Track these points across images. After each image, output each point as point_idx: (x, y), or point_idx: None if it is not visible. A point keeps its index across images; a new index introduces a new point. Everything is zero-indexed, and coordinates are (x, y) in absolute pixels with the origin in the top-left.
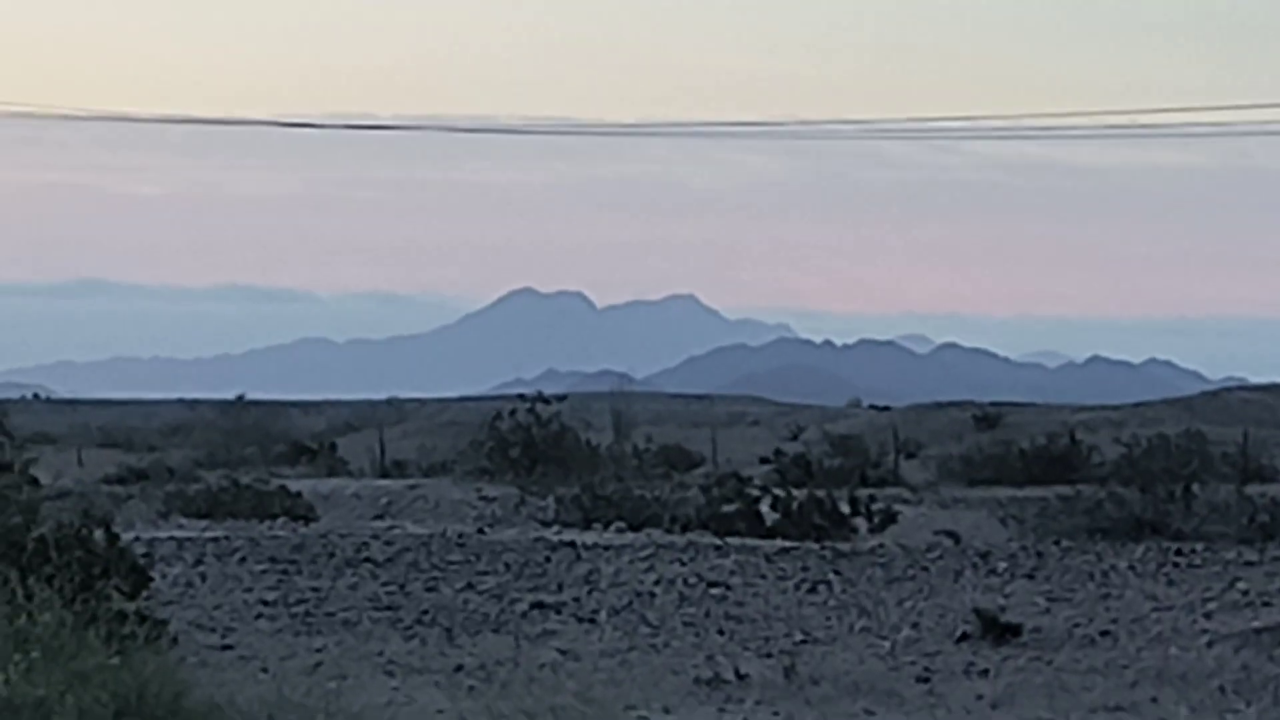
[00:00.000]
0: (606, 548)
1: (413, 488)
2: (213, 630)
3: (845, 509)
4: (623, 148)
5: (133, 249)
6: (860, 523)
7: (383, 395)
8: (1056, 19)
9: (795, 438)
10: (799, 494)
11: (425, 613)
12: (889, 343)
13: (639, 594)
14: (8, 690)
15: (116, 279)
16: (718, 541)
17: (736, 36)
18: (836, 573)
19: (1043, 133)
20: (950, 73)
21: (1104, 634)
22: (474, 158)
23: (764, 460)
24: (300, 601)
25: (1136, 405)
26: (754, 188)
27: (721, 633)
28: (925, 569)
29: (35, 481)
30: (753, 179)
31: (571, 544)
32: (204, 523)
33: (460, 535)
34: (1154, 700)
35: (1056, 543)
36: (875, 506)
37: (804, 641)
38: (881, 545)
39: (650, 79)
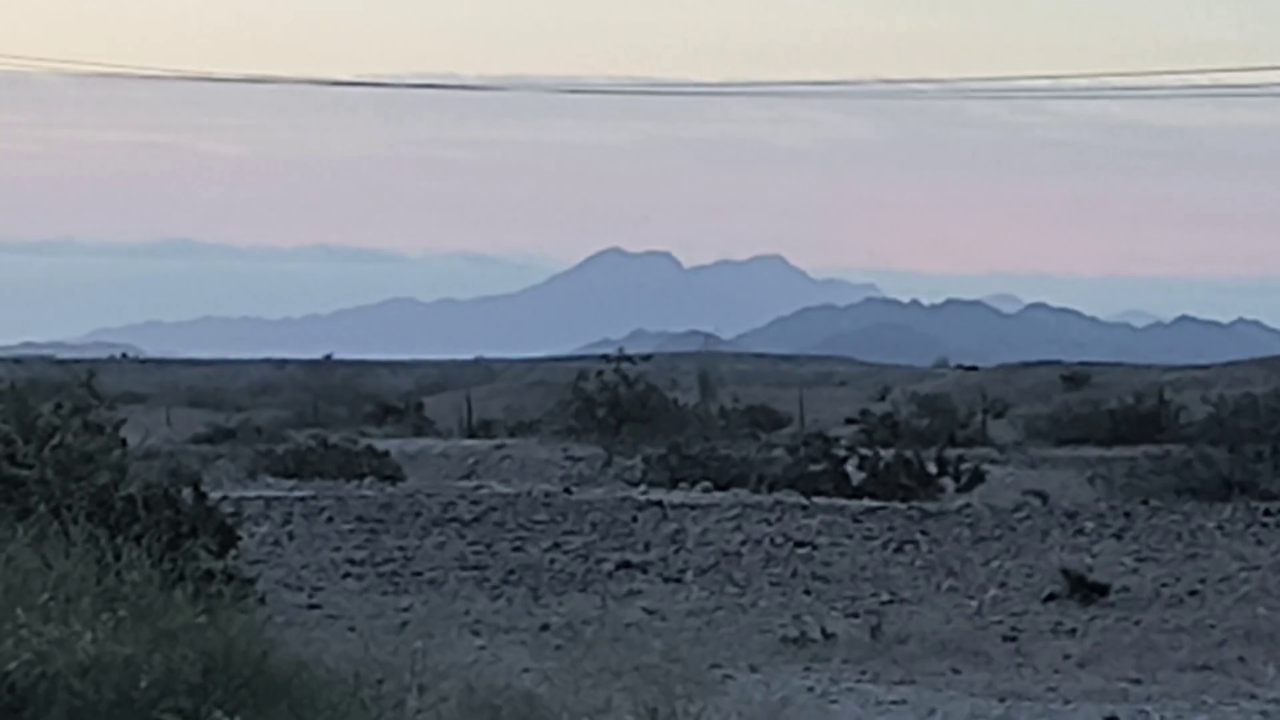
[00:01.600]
0: (693, 507)
1: (499, 447)
2: (300, 589)
3: (932, 469)
4: (707, 107)
5: (220, 209)
6: (947, 482)
7: (470, 355)
8: None
9: (882, 398)
10: (886, 454)
11: (511, 572)
12: (976, 302)
13: (725, 553)
14: (96, 649)
15: (204, 239)
16: (804, 501)
17: None
18: (923, 532)
19: (1127, 92)
20: (1034, 32)
21: (1191, 593)
22: (559, 117)
23: (850, 420)
24: (387, 561)
25: (1225, 365)
26: (838, 147)
27: (808, 592)
28: (1012, 529)
29: (124, 441)
30: (837, 139)
31: (658, 503)
32: (291, 482)
33: (546, 495)
34: (1241, 659)
35: (1144, 502)
36: (962, 466)
37: (890, 601)
38: (968, 505)
39: (734, 39)
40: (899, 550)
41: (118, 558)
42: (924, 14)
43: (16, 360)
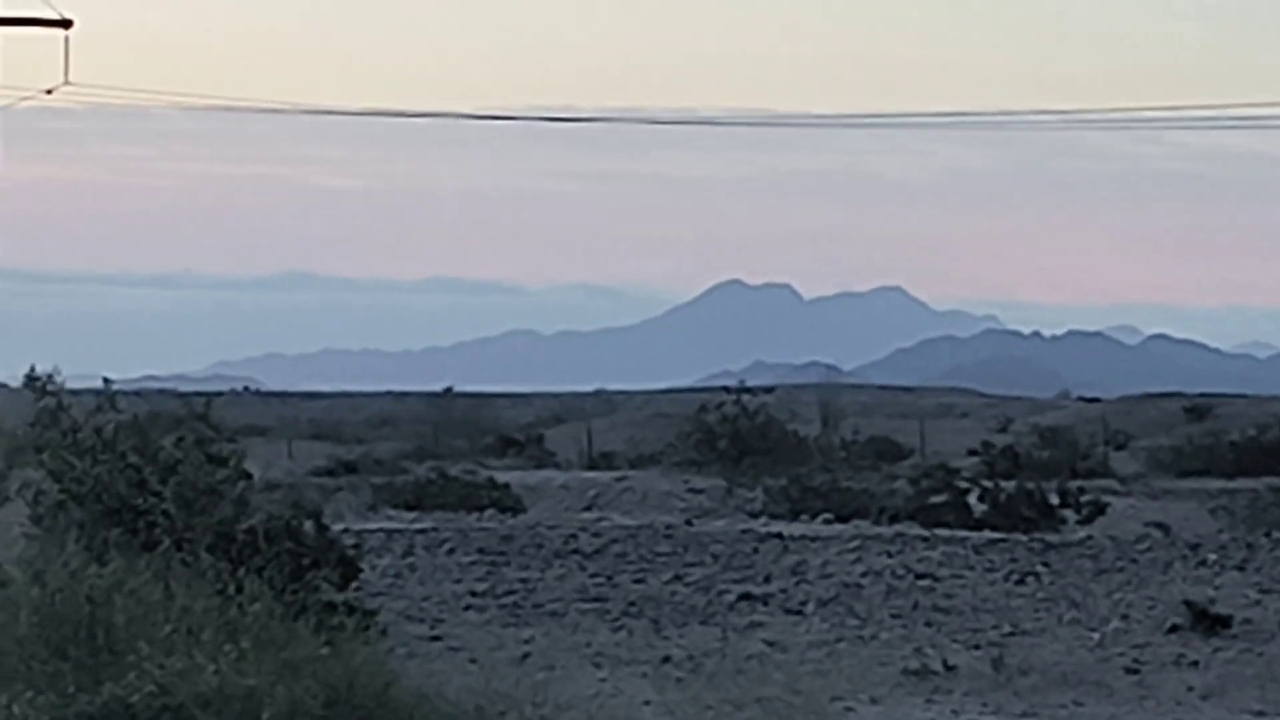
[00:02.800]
0: (814, 539)
1: (620, 479)
2: (421, 621)
3: (1054, 501)
4: (822, 139)
5: (337, 242)
6: (1069, 514)
7: (590, 387)
8: (1256, 8)
9: (1004, 429)
10: (1007, 486)
11: (633, 604)
12: (1098, 334)
13: (847, 585)
14: (219, 680)
15: (323, 272)
16: (925, 533)
17: (934, 27)
18: (1045, 564)
19: (1246, 123)
20: (1152, 63)
21: None
22: (675, 150)
23: (972, 452)
24: (508, 593)
25: None
26: (956, 178)
27: (929, 624)
28: (1134, 561)
29: (245, 474)
30: (955, 169)
31: (779, 535)
32: (412, 514)
33: (668, 527)
34: None
35: (1267, 534)
36: (1084, 498)
37: (1012, 633)
38: (1090, 537)
39: (849, 70)
40: (1021, 582)
41: (240, 590)
42: (1041, 44)
43: (138, 393)
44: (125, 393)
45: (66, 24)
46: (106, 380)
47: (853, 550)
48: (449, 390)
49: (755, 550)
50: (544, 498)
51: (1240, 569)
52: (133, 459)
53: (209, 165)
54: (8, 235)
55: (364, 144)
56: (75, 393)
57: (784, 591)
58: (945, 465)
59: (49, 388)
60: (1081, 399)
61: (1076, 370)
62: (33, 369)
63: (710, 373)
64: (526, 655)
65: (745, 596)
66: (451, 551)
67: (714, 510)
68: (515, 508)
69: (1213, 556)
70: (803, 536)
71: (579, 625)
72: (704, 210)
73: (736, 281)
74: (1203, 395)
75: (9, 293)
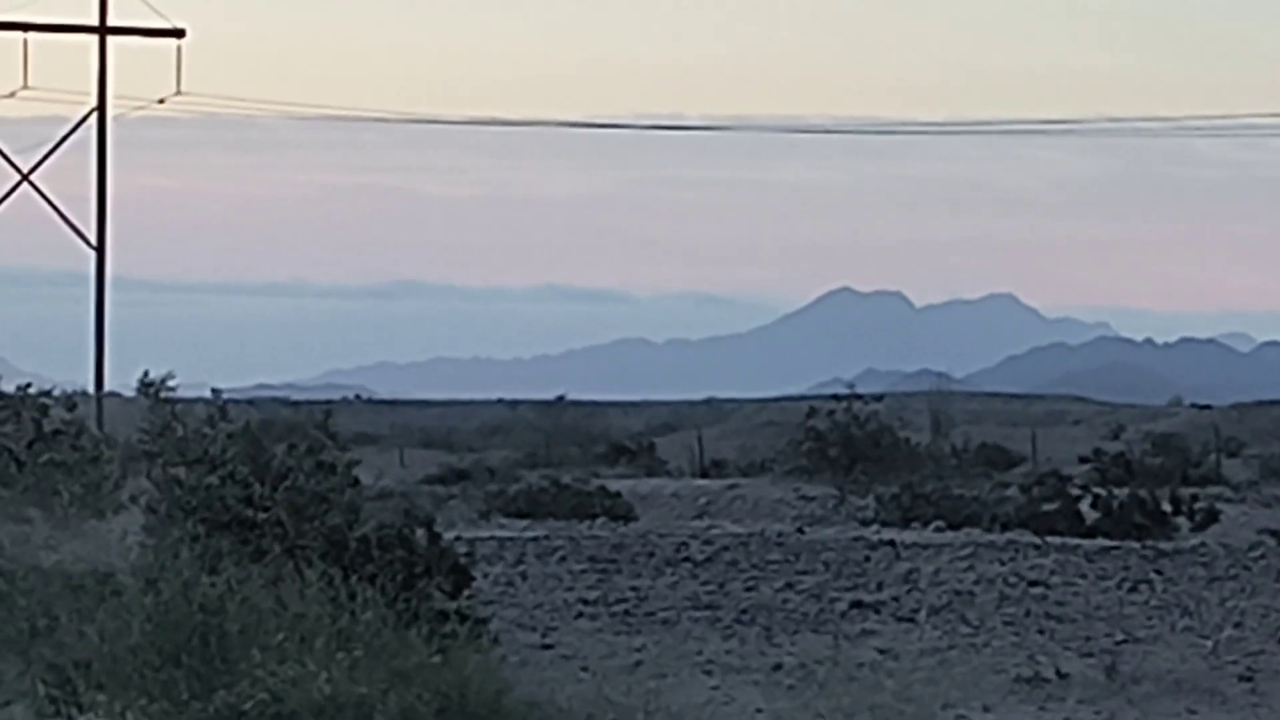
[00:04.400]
0: (926, 546)
1: (731, 487)
2: (533, 629)
3: (1166, 508)
4: (930, 147)
5: (447, 250)
6: (1182, 521)
7: (701, 395)
8: None
9: (1116, 437)
10: (1120, 493)
11: (744, 612)
12: (1210, 341)
13: (959, 593)
14: (331, 689)
15: (433, 280)
16: (1038, 540)
17: (1042, 33)
18: (1158, 572)
19: None
20: (1261, 69)
21: None
22: (782, 158)
23: (1084, 459)
24: (620, 601)
25: None
26: (1065, 186)
27: (1042, 632)
28: (1247, 568)
29: (357, 482)
30: (1063, 177)
31: (890, 543)
32: (524, 522)
33: (779, 534)
34: None
35: None
36: (1197, 505)
37: (1125, 641)
38: (1203, 544)
39: (956, 78)
40: (1133, 590)
41: (352, 598)
42: (1150, 51)
43: (250, 402)
44: (238, 401)
45: (179, 34)
46: (215, 390)
47: (965, 558)
48: (561, 398)
49: (867, 558)
50: (655, 506)
51: None
52: (243, 470)
53: (319, 174)
54: (121, 245)
55: (473, 152)
56: (188, 402)
57: (896, 599)
58: (1057, 472)
59: (160, 395)
60: (1193, 406)
61: (1188, 377)
62: (145, 374)
63: (821, 380)
64: (638, 663)
65: (857, 604)
66: (563, 559)
67: (825, 518)
68: (627, 516)
69: None
70: (914, 544)
71: (690, 633)
72: (811, 218)
73: (847, 289)
74: None
75: (123, 302)
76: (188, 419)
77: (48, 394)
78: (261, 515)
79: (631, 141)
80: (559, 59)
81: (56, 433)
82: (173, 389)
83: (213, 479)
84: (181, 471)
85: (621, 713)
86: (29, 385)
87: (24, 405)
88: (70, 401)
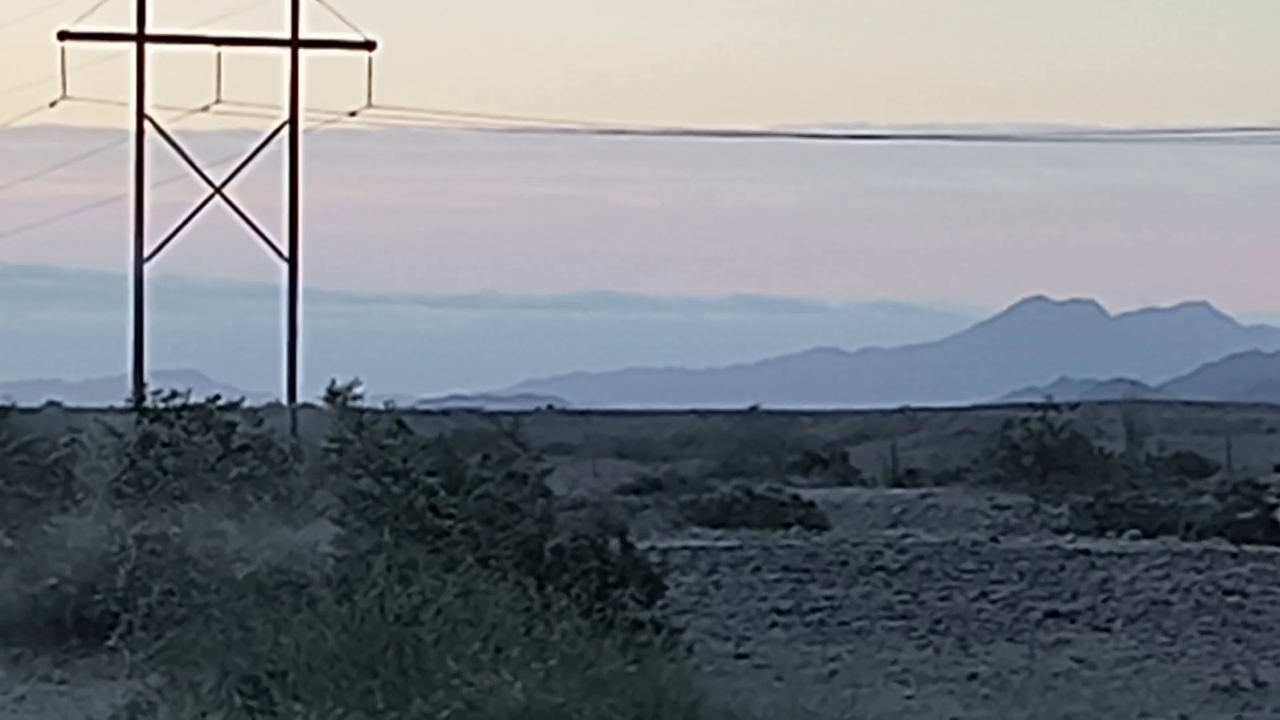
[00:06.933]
0: (1120, 555)
1: (925, 496)
2: (727, 639)
3: None
4: (1122, 155)
5: (638, 260)
6: None
7: (894, 404)
8: None
9: None
10: None
11: (939, 621)
12: None
13: (1154, 602)
14: (526, 698)
15: (625, 290)
16: (1234, 549)
17: (1237, 40)
18: None
19: None
20: None
21: None
22: (970, 166)
23: (1279, 468)
24: (814, 610)
25: None
26: (1257, 193)
27: (1238, 640)
28: None
29: (549, 492)
30: (1254, 185)
31: (1085, 552)
32: (718, 532)
33: (973, 543)
34: None
35: None
36: None
37: None
38: None
39: (1143, 84)
40: None
41: (546, 607)
42: None
43: (444, 413)
44: (431, 413)
45: (370, 46)
46: (386, 403)
47: (1160, 566)
48: (755, 408)
49: (1061, 567)
50: (848, 515)
51: None
52: (430, 481)
53: (508, 186)
54: (313, 257)
55: (662, 163)
56: (380, 412)
57: (1091, 608)
58: (1253, 481)
59: (346, 403)
60: None
61: None
62: (333, 383)
63: (1015, 389)
64: (833, 673)
65: (1052, 613)
66: (757, 569)
67: (1019, 527)
68: (820, 525)
69: None
70: (1109, 553)
71: (884, 642)
72: (1001, 226)
73: (1041, 298)
74: None
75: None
76: (375, 428)
77: (235, 406)
78: (453, 525)
79: (821, 151)
80: (743, 69)
81: (244, 447)
82: (359, 397)
83: (398, 488)
84: (365, 482)
85: None
86: (217, 397)
87: (212, 418)
88: (257, 416)
